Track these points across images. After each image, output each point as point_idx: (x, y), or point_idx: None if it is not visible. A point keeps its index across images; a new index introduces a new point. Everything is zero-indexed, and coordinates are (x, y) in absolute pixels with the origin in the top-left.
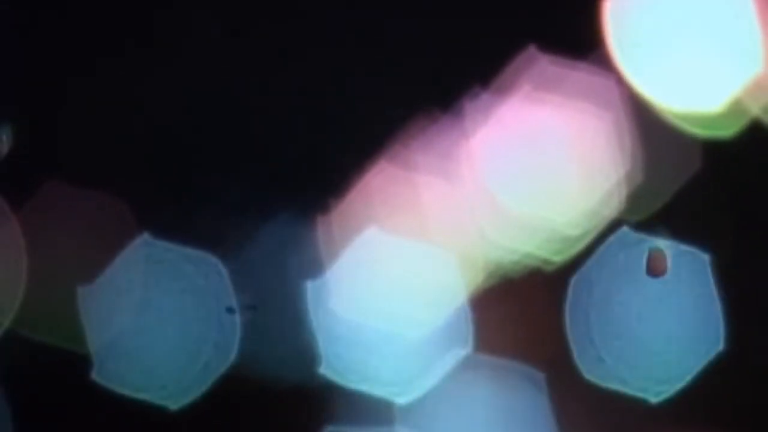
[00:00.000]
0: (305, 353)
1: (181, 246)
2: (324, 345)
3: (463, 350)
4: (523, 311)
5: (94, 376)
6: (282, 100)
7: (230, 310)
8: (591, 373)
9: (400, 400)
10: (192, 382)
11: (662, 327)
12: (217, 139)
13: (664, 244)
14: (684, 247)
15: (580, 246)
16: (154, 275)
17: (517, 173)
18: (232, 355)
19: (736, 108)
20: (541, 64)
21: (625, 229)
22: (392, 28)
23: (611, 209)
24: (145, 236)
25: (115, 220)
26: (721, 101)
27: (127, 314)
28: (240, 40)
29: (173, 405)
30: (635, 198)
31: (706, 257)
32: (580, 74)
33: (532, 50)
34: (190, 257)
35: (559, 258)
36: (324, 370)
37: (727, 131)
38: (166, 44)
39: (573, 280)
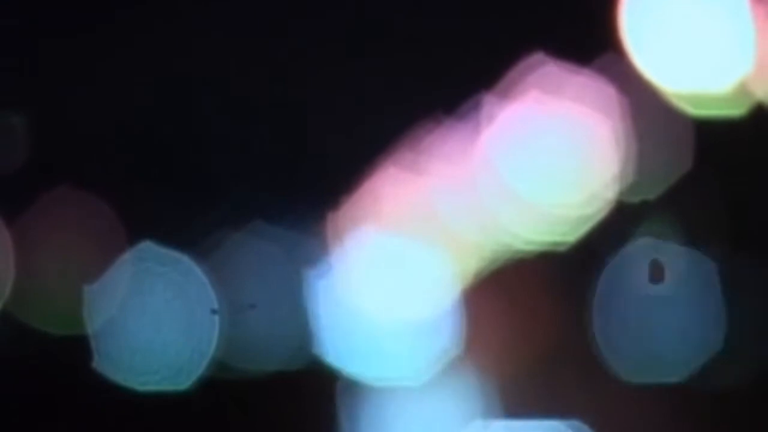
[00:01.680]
0: (312, 344)
1: (178, 251)
2: (330, 336)
3: (458, 342)
4: (517, 307)
5: (96, 365)
6: (287, 104)
7: (214, 312)
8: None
9: (401, 386)
10: (181, 372)
11: (666, 325)
12: (223, 143)
13: (664, 253)
14: (685, 253)
15: (586, 228)
16: (151, 278)
17: (523, 164)
18: (214, 348)
19: (740, 90)
20: (546, 68)
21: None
22: (397, 32)
23: (613, 192)
24: (145, 242)
25: (116, 225)
26: (725, 84)
27: (126, 312)
28: (242, 43)
29: (172, 388)
30: (636, 183)
31: (708, 263)
32: (584, 76)
33: (537, 54)
34: (183, 263)
35: (566, 240)
36: (330, 359)
37: (731, 112)
38: (166, 50)
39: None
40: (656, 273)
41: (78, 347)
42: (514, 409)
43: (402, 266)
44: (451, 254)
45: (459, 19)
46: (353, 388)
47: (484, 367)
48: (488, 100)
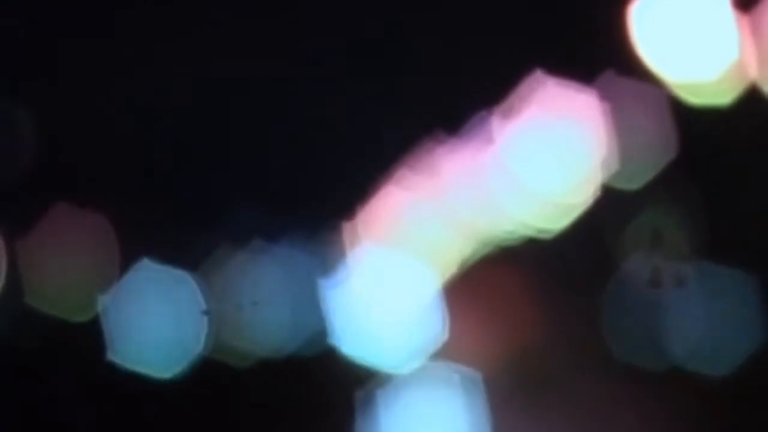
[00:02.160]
0: (327, 334)
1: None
2: (342, 331)
3: (448, 333)
4: (508, 301)
5: (110, 356)
6: (288, 125)
7: (205, 313)
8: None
9: (397, 371)
10: (174, 360)
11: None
12: (222, 161)
13: (662, 264)
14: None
15: (574, 215)
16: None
17: (520, 153)
18: (203, 342)
19: (729, 78)
20: (546, 88)
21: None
22: (397, 53)
23: (600, 181)
24: (146, 261)
25: (117, 240)
26: (716, 73)
27: (135, 312)
28: (244, 60)
29: (165, 374)
30: (623, 172)
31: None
32: (582, 83)
33: (538, 74)
34: (180, 277)
35: (555, 227)
36: (344, 349)
37: (722, 100)
38: (166, 64)
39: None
40: (655, 279)
41: (86, 339)
42: (502, 401)
43: (396, 272)
44: (447, 244)
45: (460, 36)
46: (356, 373)
47: (474, 358)
48: (490, 120)
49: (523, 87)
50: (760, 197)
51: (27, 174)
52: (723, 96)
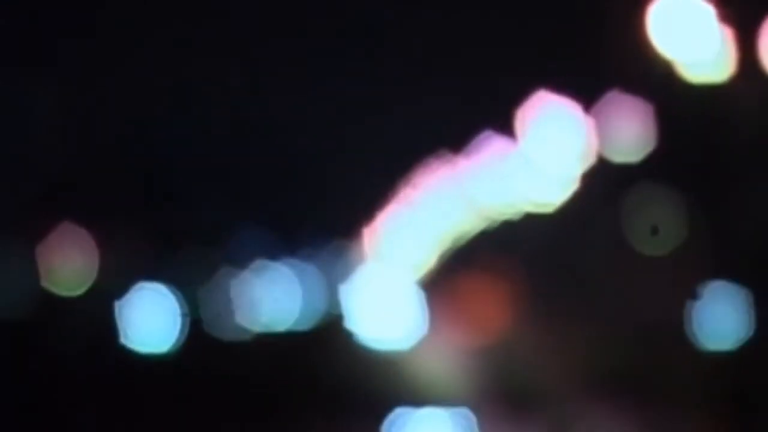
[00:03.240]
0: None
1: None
2: (356, 319)
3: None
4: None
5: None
6: (290, 142)
7: (185, 315)
8: None
9: (397, 347)
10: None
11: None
12: (230, 184)
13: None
14: None
15: (572, 189)
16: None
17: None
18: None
19: (722, 59)
20: (549, 106)
21: None
22: (400, 71)
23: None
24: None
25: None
26: (710, 53)
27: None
28: (247, 82)
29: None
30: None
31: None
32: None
33: (541, 93)
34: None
35: (554, 201)
36: (356, 332)
37: (718, 76)
38: (164, 83)
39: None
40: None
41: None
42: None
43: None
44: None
45: (463, 58)
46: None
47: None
48: (493, 138)
49: (526, 105)
50: (754, 189)
51: (36, 193)
52: (718, 74)
